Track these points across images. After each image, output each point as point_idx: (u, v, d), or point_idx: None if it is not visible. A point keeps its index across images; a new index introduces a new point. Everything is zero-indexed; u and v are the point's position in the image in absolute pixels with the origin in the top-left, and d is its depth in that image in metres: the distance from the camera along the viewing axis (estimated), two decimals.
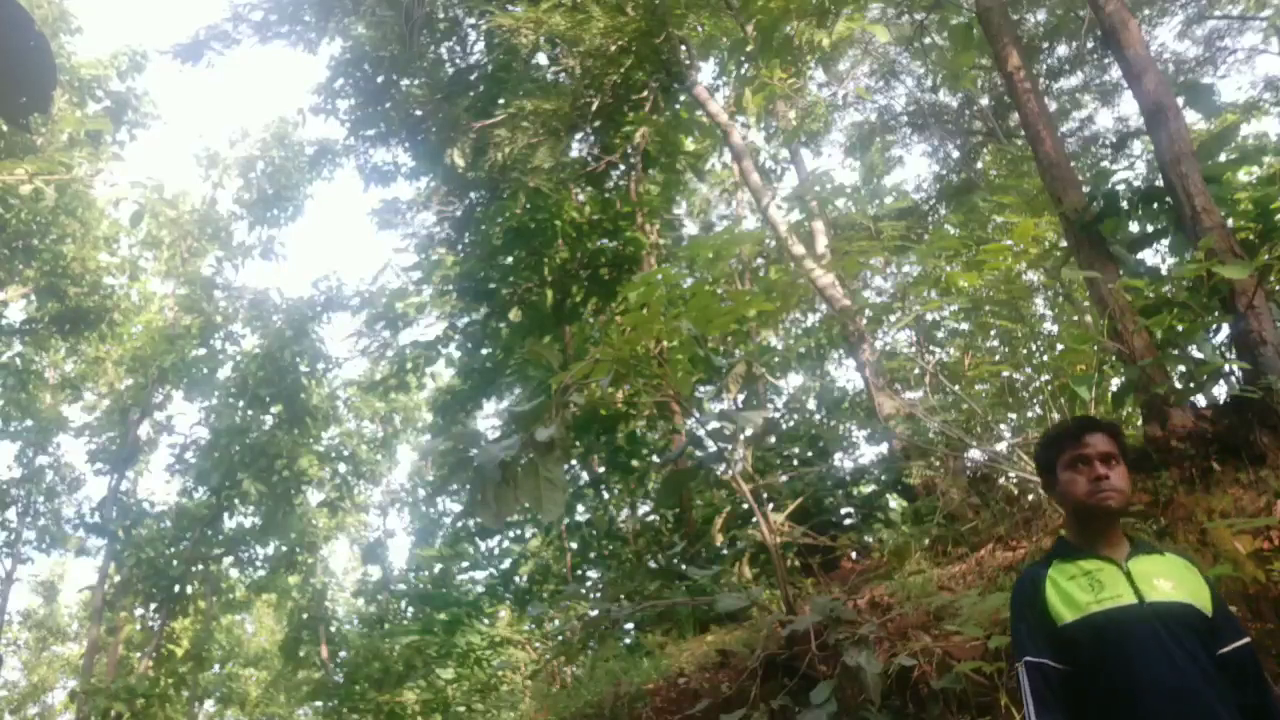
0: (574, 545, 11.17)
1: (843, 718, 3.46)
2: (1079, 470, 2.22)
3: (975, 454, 5.36)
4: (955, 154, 12.69)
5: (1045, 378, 4.92)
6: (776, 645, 4.02)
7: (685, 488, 8.64)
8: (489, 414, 12.88)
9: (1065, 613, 2.11)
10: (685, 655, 5.15)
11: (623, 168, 10.95)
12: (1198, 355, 4.97)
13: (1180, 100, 5.44)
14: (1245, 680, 2.03)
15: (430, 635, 12.31)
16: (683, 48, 8.45)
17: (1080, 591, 2.12)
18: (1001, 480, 5.23)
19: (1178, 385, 4.83)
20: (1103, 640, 2.07)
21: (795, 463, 7.96)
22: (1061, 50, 11.67)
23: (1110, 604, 2.08)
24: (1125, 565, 2.14)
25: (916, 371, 6.58)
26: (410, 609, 15.25)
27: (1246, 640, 2.08)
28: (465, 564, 14.37)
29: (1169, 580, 2.11)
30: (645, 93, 9.31)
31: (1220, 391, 4.88)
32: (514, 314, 11.45)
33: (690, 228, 14.78)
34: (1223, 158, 5.41)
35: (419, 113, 11.15)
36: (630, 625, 7.29)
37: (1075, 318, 6.24)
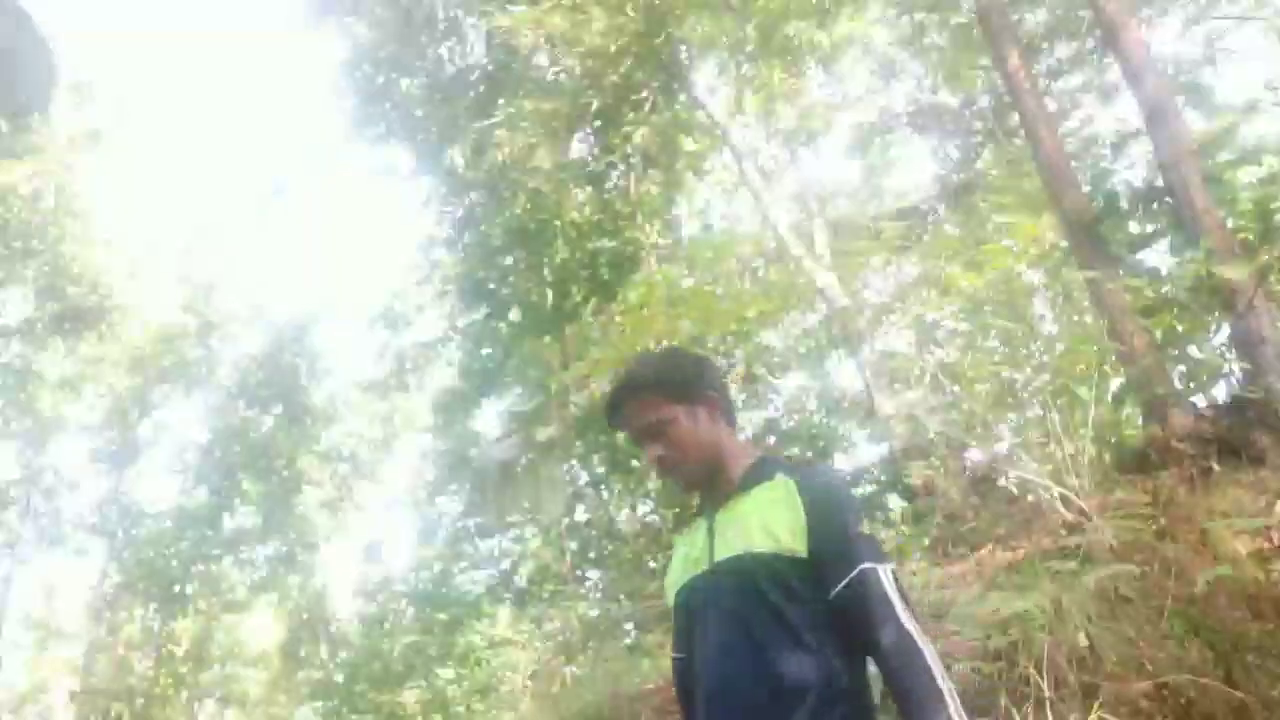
0: (574, 545, 11.16)
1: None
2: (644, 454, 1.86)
3: (975, 454, 5.36)
4: (955, 154, 12.69)
5: (1045, 378, 4.91)
6: None
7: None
8: (489, 414, 12.88)
9: (669, 593, 1.86)
10: None
11: (623, 168, 10.95)
12: (1198, 355, 4.97)
13: (1180, 100, 5.44)
14: (860, 619, 1.59)
15: (430, 635, 12.30)
16: (683, 48, 8.45)
17: (677, 565, 1.85)
18: (1001, 480, 5.23)
19: (1178, 385, 4.83)
20: (689, 625, 1.77)
21: None
22: (1061, 50, 11.66)
23: (689, 575, 1.78)
24: (714, 519, 1.78)
25: (916, 371, 6.57)
26: (410, 609, 15.25)
27: (860, 569, 1.59)
28: (465, 564, 14.36)
29: (742, 525, 1.70)
30: (645, 93, 9.31)
31: (1220, 391, 4.88)
32: (514, 314, 11.45)
33: (690, 228, 14.77)
34: (1223, 158, 5.41)
35: (419, 113, 11.15)
36: (630, 625, 7.29)
37: (1075, 318, 6.24)
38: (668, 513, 9.70)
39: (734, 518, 1.73)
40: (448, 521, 15.67)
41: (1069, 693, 2.97)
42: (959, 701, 1.51)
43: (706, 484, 1.83)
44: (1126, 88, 5.54)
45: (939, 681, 1.52)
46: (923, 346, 8.44)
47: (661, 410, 1.78)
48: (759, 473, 1.77)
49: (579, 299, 10.94)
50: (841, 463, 9.02)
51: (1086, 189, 5.60)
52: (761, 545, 1.65)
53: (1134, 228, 5.43)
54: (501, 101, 10.04)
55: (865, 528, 1.67)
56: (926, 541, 5.19)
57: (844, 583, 1.59)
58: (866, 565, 1.60)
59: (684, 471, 1.81)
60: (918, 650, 1.55)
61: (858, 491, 7.22)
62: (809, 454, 8.34)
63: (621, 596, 7.54)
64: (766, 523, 1.67)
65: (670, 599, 1.86)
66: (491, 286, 11.06)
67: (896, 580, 1.62)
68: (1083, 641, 2.98)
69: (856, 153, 13.52)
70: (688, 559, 1.82)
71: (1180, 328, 5.08)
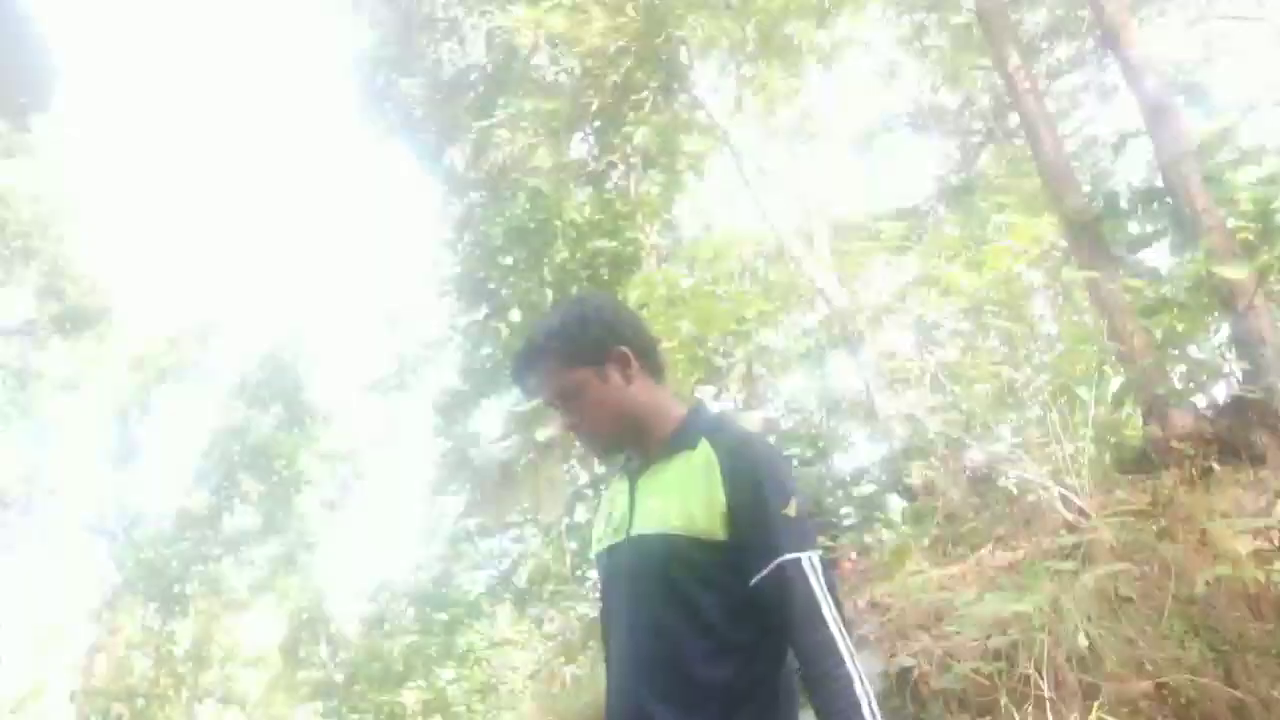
0: (574, 545, 11.16)
1: None
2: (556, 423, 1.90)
3: (975, 454, 5.36)
4: (955, 154, 12.69)
5: (1045, 378, 4.91)
6: None
7: None
8: (489, 414, 12.89)
9: (593, 544, 1.76)
10: None
11: (623, 168, 10.95)
12: (1198, 355, 4.97)
13: (1180, 100, 5.44)
14: (779, 612, 1.46)
15: (430, 635, 12.31)
16: (683, 48, 8.45)
17: (600, 521, 1.74)
18: (1001, 480, 5.22)
19: (1178, 385, 4.83)
20: (604, 593, 1.70)
21: (795, 463, 7.96)
22: (1061, 50, 11.66)
23: (607, 542, 1.67)
24: (636, 483, 1.65)
25: (916, 371, 6.57)
26: (410, 609, 15.25)
27: (780, 560, 1.45)
28: (465, 564, 14.36)
29: (661, 498, 1.57)
30: (645, 93, 9.31)
31: (1220, 391, 4.88)
32: (514, 314, 11.45)
33: (690, 228, 14.77)
34: (1223, 158, 5.41)
35: (419, 113, 11.16)
36: None
37: (1075, 318, 6.24)
38: None
39: (655, 486, 1.60)
40: (448, 521, 15.68)
41: (1069, 693, 2.97)
42: (876, 705, 1.40)
43: (631, 446, 1.69)
44: (1126, 88, 5.54)
45: (857, 688, 1.39)
46: (923, 346, 8.44)
47: (567, 376, 1.64)
48: (684, 435, 1.63)
49: None
50: (841, 463, 9.01)
51: (1086, 189, 5.60)
52: (677, 526, 1.51)
53: (1134, 228, 5.43)
54: (501, 101, 10.04)
55: (792, 507, 1.50)
56: (926, 541, 5.18)
57: (763, 573, 1.45)
58: (789, 556, 1.45)
59: (601, 438, 1.69)
60: (837, 652, 1.42)
61: (857, 491, 7.22)
62: (809, 454, 8.33)
63: None
64: (685, 499, 1.52)
65: (592, 555, 1.75)
66: (491, 286, 11.07)
67: (823, 570, 1.47)
68: (1083, 641, 2.97)
69: (856, 153, 13.53)
70: (610, 519, 1.69)
71: (1180, 328, 5.07)
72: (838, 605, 1.44)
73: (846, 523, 6.80)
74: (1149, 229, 5.39)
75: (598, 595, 1.77)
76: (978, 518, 5.02)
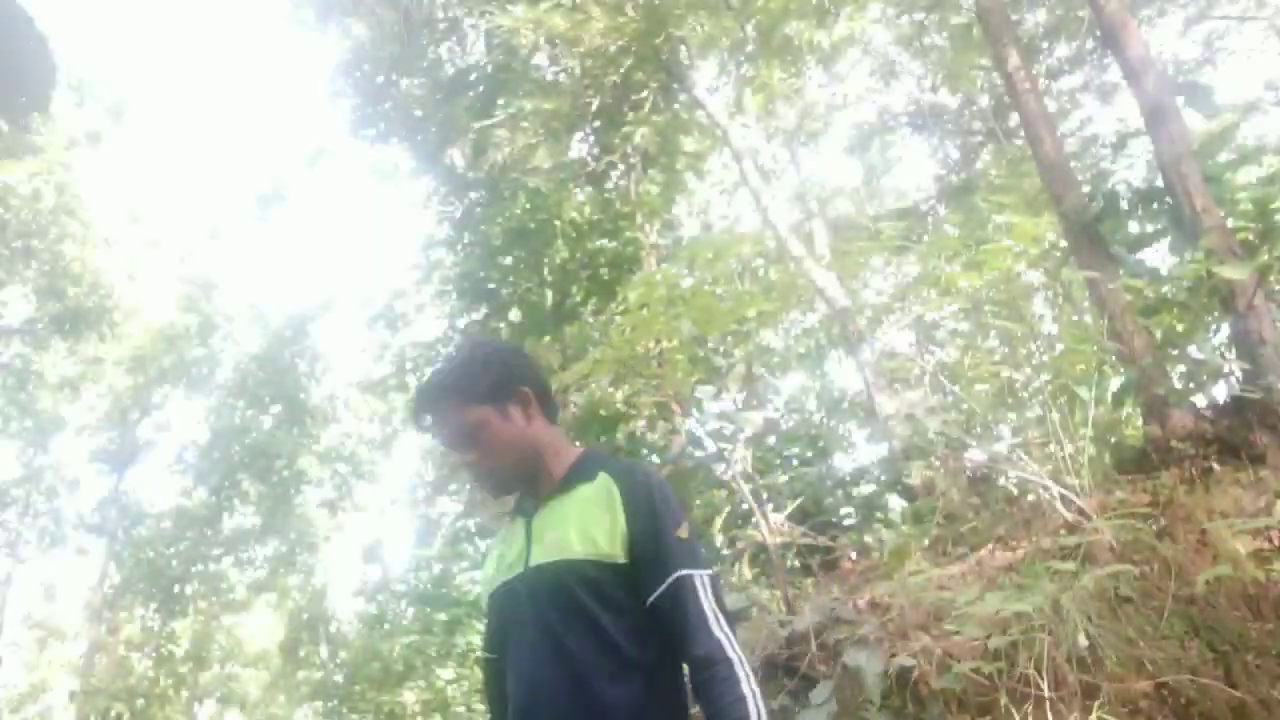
0: None
1: (843, 718, 3.46)
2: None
3: (975, 454, 5.36)
4: (955, 154, 12.69)
5: (1045, 378, 4.91)
6: (776, 645, 4.02)
7: (685, 488, 8.64)
8: None
9: (483, 594, 1.77)
10: None
11: (623, 168, 10.95)
12: (1198, 355, 4.97)
13: (1180, 100, 5.44)
14: (673, 627, 1.54)
15: (430, 635, 12.31)
16: (683, 48, 8.44)
17: (491, 564, 1.77)
18: (1001, 480, 5.23)
19: (1178, 385, 4.83)
20: (502, 628, 1.69)
21: (795, 463, 7.96)
22: (1061, 50, 11.67)
23: (504, 578, 1.69)
24: (532, 519, 1.70)
25: (916, 371, 6.57)
26: (410, 609, 15.25)
27: (675, 576, 1.53)
28: (465, 564, 14.36)
29: (560, 529, 1.62)
30: (645, 93, 9.31)
31: (1220, 391, 4.88)
32: (514, 314, 11.45)
33: (690, 228, 14.78)
34: (1223, 158, 5.41)
35: (419, 113, 11.15)
36: None
37: (1075, 318, 6.24)
38: None
39: (554, 519, 1.65)
40: (448, 521, 15.68)
41: (1069, 693, 2.97)
42: (762, 703, 1.49)
43: (526, 484, 1.73)
44: (1126, 88, 5.54)
45: (744, 685, 1.48)
46: (923, 346, 8.45)
47: (469, 414, 1.68)
48: (581, 471, 1.70)
49: (579, 299, 10.94)
50: (841, 463, 9.02)
51: (1086, 189, 5.59)
52: (579, 551, 1.57)
53: (1134, 228, 5.43)
54: (501, 101, 10.03)
55: (684, 530, 1.60)
56: (926, 541, 5.18)
57: (659, 590, 1.53)
58: (683, 572, 1.54)
59: (499, 475, 1.71)
60: (727, 662, 1.50)
61: (857, 492, 7.22)
62: (809, 454, 8.33)
63: None
64: (585, 526, 1.59)
65: (484, 599, 1.75)
66: (491, 286, 11.06)
67: (714, 588, 1.56)
68: (1083, 641, 2.98)
69: (856, 153, 13.53)
70: (503, 560, 1.72)
71: (1180, 328, 5.08)
72: (728, 619, 1.54)
73: (846, 523, 6.80)
74: (1149, 229, 5.39)
75: (485, 651, 1.77)
76: (978, 518, 5.02)
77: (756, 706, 1.47)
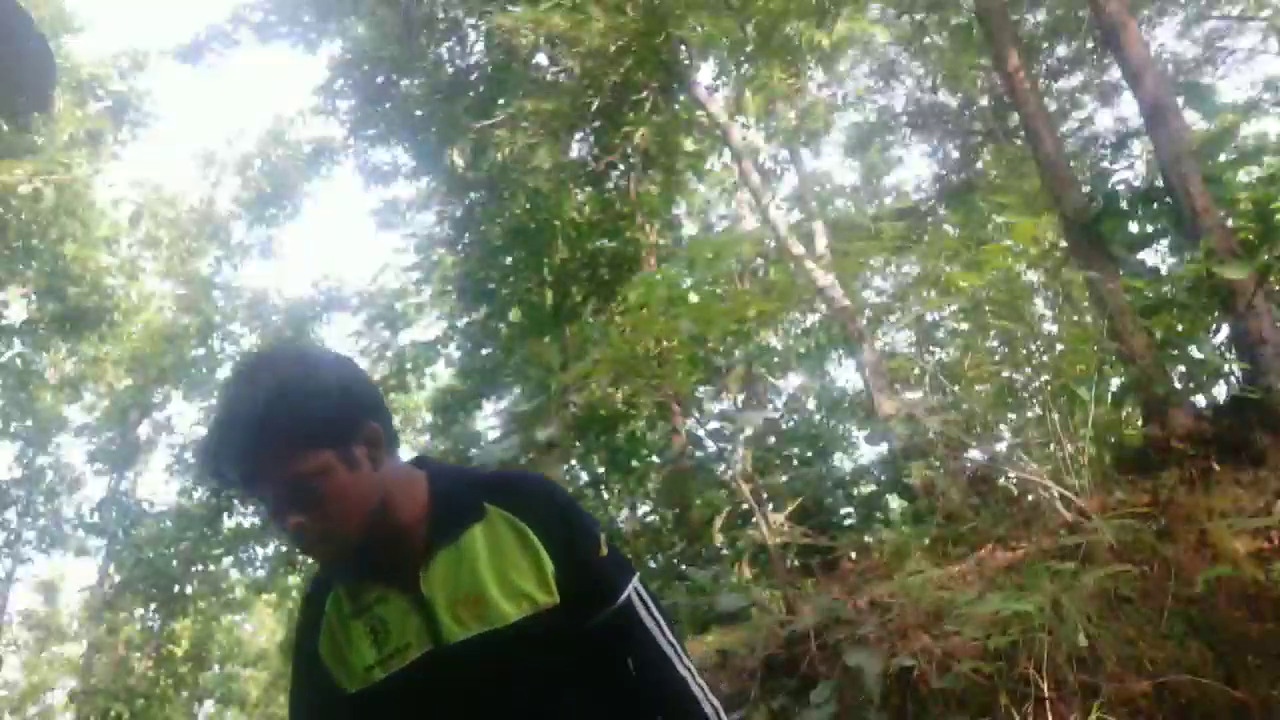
0: None
1: (842, 718, 3.47)
2: (274, 527, 1.31)
3: (975, 454, 5.36)
4: (955, 154, 12.70)
5: (1045, 378, 4.92)
6: (776, 645, 4.03)
7: (685, 488, 8.65)
8: (489, 414, 12.89)
9: (344, 676, 1.37)
10: None
11: (623, 168, 10.95)
12: (1198, 355, 4.97)
13: (1180, 100, 5.45)
14: (617, 647, 1.37)
15: None
16: (683, 48, 8.44)
17: (359, 642, 1.35)
18: (1001, 480, 5.23)
19: (1178, 385, 4.83)
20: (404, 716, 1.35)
21: (795, 463, 7.96)
22: (1061, 50, 11.68)
23: (398, 664, 1.31)
24: (417, 583, 1.32)
25: (916, 371, 6.57)
26: None
27: (617, 603, 1.35)
28: None
29: (472, 590, 1.31)
30: (645, 93, 9.31)
31: (1220, 391, 4.88)
32: (514, 314, 11.46)
33: (690, 228, 14.78)
34: (1223, 158, 5.42)
35: (419, 113, 11.16)
36: None
37: (1075, 318, 6.24)
38: (667, 513, 9.71)
39: (455, 581, 1.31)
40: None
41: (1069, 693, 2.97)
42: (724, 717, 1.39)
43: (379, 542, 1.30)
44: (1126, 88, 5.54)
45: (703, 703, 1.37)
46: (923, 346, 8.46)
47: (305, 460, 1.22)
48: (455, 509, 1.35)
49: (579, 299, 10.95)
50: (841, 463, 9.03)
51: (1086, 189, 5.60)
52: (515, 613, 1.29)
53: (1134, 228, 5.43)
54: (501, 101, 10.03)
55: (602, 545, 1.38)
56: (926, 541, 5.18)
57: (599, 618, 1.35)
58: (621, 598, 1.36)
59: (339, 541, 1.26)
60: (677, 676, 1.38)
61: (857, 492, 7.23)
62: (809, 454, 8.33)
63: None
64: (508, 579, 1.30)
65: (347, 685, 1.36)
66: (491, 286, 11.07)
67: (646, 594, 1.40)
68: (1083, 641, 2.98)
69: (856, 153, 13.54)
70: (381, 643, 1.33)
71: (1180, 328, 5.08)
72: (667, 621, 1.40)
73: (846, 523, 6.81)
74: (1149, 229, 5.39)
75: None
76: (978, 518, 5.02)
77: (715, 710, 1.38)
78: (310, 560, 1.48)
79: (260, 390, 1.24)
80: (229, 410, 1.25)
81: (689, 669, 1.39)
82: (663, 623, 1.39)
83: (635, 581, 1.40)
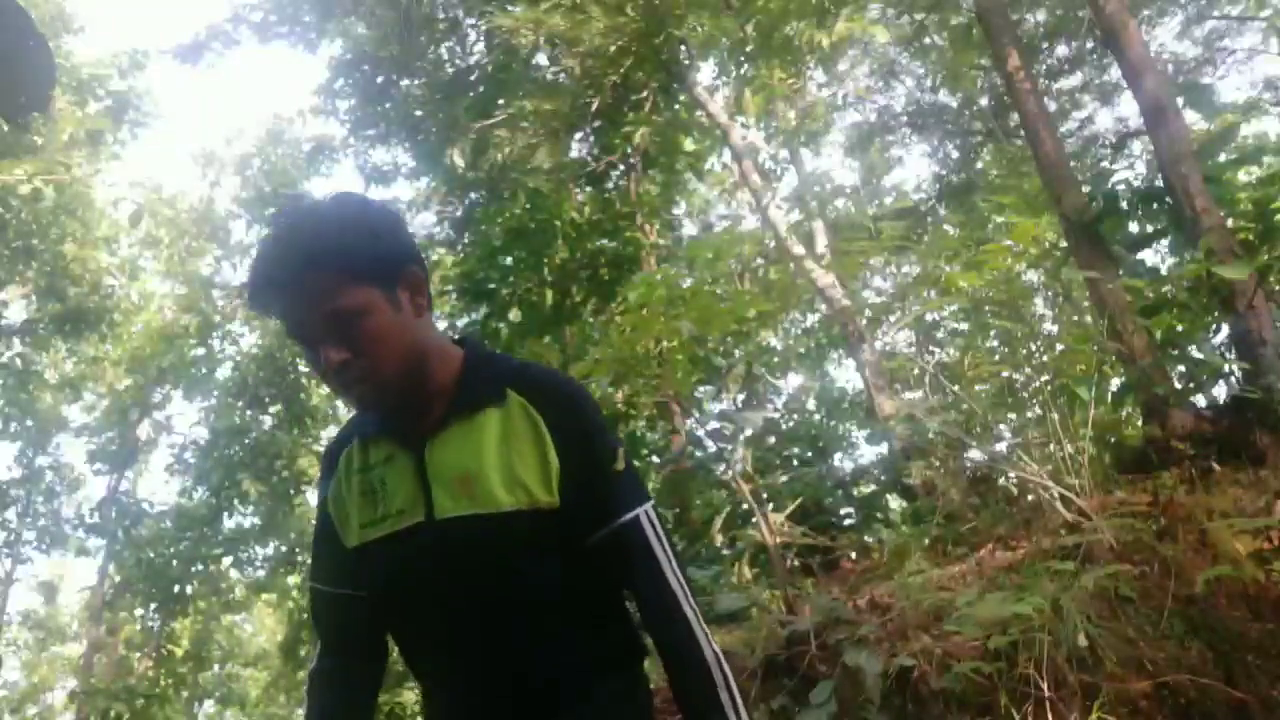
0: None
1: (843, 718, 3.46)
2: (310, 362, 1.28)
3: (975, 454, 5.36)
4: (955, 154, 12.70)
5: (1045, 378, 4.92)
6: (776, 645, 4.02)
7: (685, 488, 8.64)
8: None
9: (345, 531, 1.38)
10: None
11: (622, 168, 10.95)
12: (1198, 355, 4.97)
13: (1180, 100, 5.45)
14: (618, 571, 1.33)
15: None
16: (683, 48, 8.44)
17: (361, 500, 1.36)
18: (1001, 480, 5.23)
19: (1178, 385, 4.83)
20: (389, 588, 1.35)
21: (795, 463, 7.96)
22: (1061, 50, 11.68)
23: (389, 528, 1.31)
24: (423, 450, 1.31)
25: (916, 371, 6.57)
26: None
27: (621, 520, 1.30)
28: None
29: (474, 470, 1.28)
30: (645, 93, 9.31)
31: (1220, 391, 4.89)
32: (514, 314, 11.46)
33: (690, 228, 14.79)
34: (1223, 158, 5.42)
35: (419, 113, 11.16)
36: None
37: (1075, 318, 6.24)
38: (667, 513, 9.70)
39: (458, 455, 1.29)
40: None
41: (1069, 693, 2.97)
42: (730, 674, 1.30)
43: (412, 395, 1.30)
44: (1126, 88, 5.54)
45: (707, 654, 1.29)
46: (923, 346, 8.45)
47: (349, 296, 1.21)
48: (479, 387, 1.32)
49: (579, 299, 10.95)
50: (841, 463, 9.03)
51: (1086, 189, 5.60)
52: (509, 503, 1.26)
53: (1134, 228, 5.43)
54: (501, 102, 10.03)
55: (620, 459, 1.33)
56: (926, 541, 5.18)
57: (600, 534, 1.30)
58: (627, 516, 1.30)
59: (384, 381, 1.25)
60: (683, 616, 1.30)
61: (857, 492, 7.22)
62: (809, 454, 8.33)
63: None
64: (510, 468, 1.27)
65: (346, 540, 1.37)
66: (491, 286, 11.07)
67: (658, 522, 1.34)
68: (1083, 641, 2.98)
69: (856, 153, 13.54)
70: (376, 500, 1.34)
71: (1180, 328, 5.08)
72: (677, 557, 1.34)
73: (846, 523, 6.81)
74: (1149, 229, 5.39)
75: (355, 594, 1.41)
76: (978, 518, 5.02)
77: (723, 671, 1.29)
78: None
79: (312, 221, 1.25)
80: (280, 239, 1.24)
81: (694, 610, 1.31)
82: (673, 559, 1.32)
83: (648, 507, 1.34)
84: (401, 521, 1.30)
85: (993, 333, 6.85)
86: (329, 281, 1.21)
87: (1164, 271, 5.50)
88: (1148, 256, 5.75)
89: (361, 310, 1.22)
